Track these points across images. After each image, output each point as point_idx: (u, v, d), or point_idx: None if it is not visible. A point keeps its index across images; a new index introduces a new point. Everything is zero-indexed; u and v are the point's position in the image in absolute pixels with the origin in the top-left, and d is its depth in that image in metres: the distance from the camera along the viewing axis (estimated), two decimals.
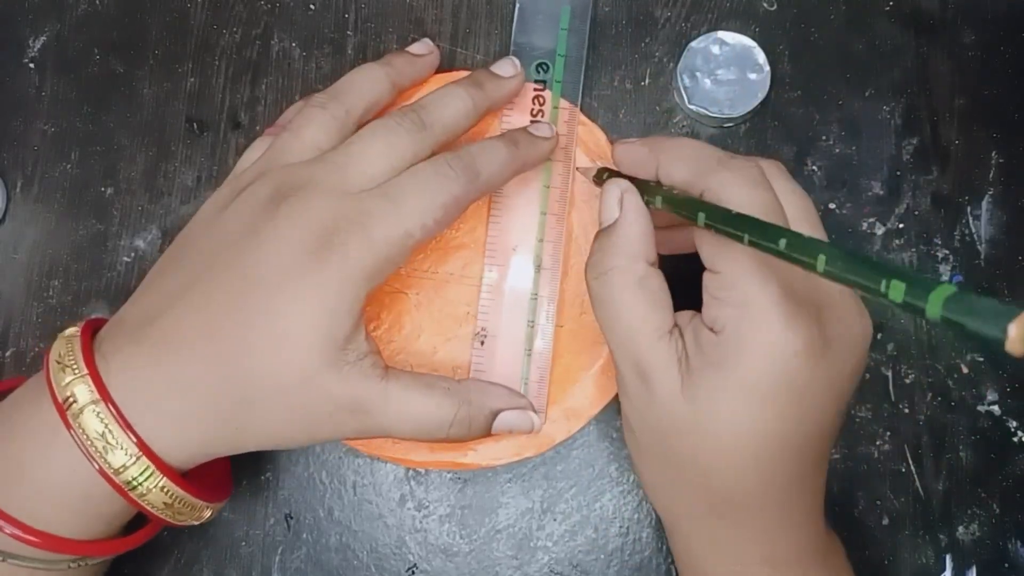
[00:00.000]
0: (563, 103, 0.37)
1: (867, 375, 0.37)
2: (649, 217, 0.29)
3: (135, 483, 0.28)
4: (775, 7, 0.39)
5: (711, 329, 0.27)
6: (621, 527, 0.37)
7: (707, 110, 0.37)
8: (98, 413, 0.28)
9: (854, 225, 0.38)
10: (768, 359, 0.26)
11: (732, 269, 0.26)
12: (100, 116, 0.39)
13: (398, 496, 0.37)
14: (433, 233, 0.30)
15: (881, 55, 0.39)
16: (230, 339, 0.28)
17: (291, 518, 0.37)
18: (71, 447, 0.28)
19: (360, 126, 0.32)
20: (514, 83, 0.35)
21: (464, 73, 0.36)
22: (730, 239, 0.25)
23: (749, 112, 0.37)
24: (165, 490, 0.29)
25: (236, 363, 0.28)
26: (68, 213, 0.39)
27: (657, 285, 0.29)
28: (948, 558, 0.36)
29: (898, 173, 0.38)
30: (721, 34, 0.37)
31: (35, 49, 0.40)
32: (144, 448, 0.28)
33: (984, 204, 0.38)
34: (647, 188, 0.30)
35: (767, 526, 0.28)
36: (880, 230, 0.38)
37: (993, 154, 0.38)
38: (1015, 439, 0.37)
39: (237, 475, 0.37)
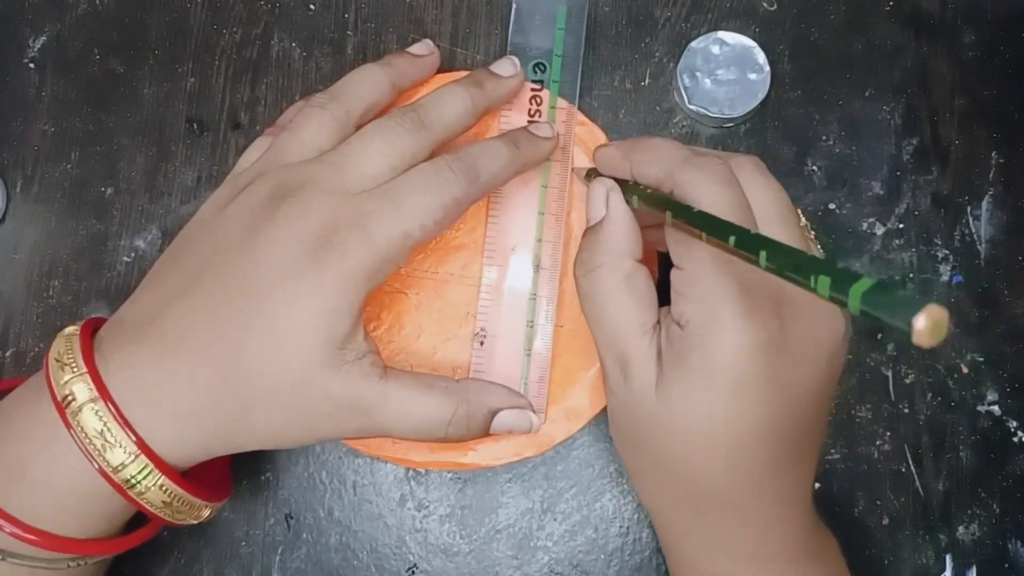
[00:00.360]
0: (560, 103, 0.37)
1: (867, 375, 0.37)
2: (633, 215, 0.30)
3: (133, 481, 0.28)
4: (775, 7, 0.39)
5: (678, 324, 0.27)
6: (621, 527, 0.37)
7: (707, 110, 0.37)
8: (97, 411, 0.28)
9: (854, 225, 0.38)
10: (726, 352, 0.26)
11: (694, 265, 0.27)
12: (100, 116, 0.39)
13: (398, 496, 0.37)
14: (433, 234, 0.30)
15: (881, 55, 0.39)
16: (229, 339, 0.28)
17: (291, 518, 0.37)
18: (70, 446, 0.28)
19: (360, 126, 0.32)
20: (514, 83, 0.35)
21: (464, 73, 0.36)
22: (693, 236, 0.26)
23: (749, 112, 0.37)
24: (164, 489, 0.29)
25: (235, 363, 0.28)
26: (68, 213, 0.39)
27: (643, 281, 0.29)
28: (948, 558, 0.36)
29: (898, 173, 0.38)
30: (721, 34, 0.37)
31: (35, 49, 0.40)
32: (143, 446, 0.28)
33: (984, 204, 0.38)
34: (627, 187, 0.30)
35: (747, 521, 0.29)
36: (880, 230, 0.38)
37: (993, 154, 0.38)
38: (1015, 439, 0.37)
39: (237, 475, 0.37)
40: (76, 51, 0.40)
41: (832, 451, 0.37)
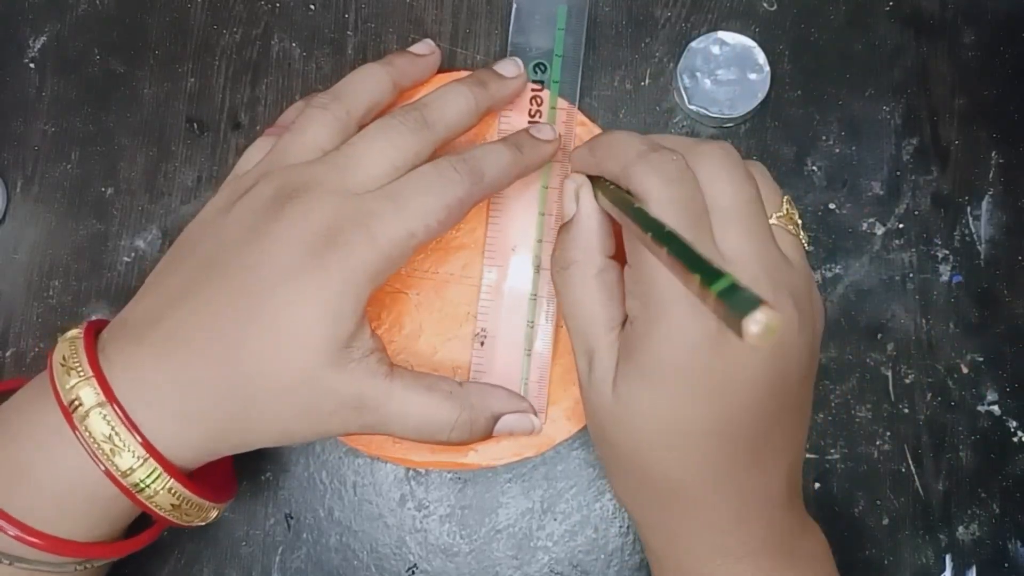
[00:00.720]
0: (561, 103, 0.37)
1: (867, 375, 0.37)
2: (603, 212, 0.30)
3: (143, 485, 0.28)
4: (775, 7, 0.39)
5: (631, 321, 0.28)
6: (621, 527, 0.37)
7: (707, 110, 0.37)
8: (104, 415, 0.28)
9: (854, 225, 0.38)
10: (669, 349, 0.27)
11: (643, 263, 0.27)
12: (100, 116, 0.39)
13: (398, 496, 0.37)
14: (436, 234, 0.30)
15: (881, 55, 0.39)
16: (234, 340, 0.28)
17: (291, 518, 0.37)
18: (76, 450, 0.28)
19: (362, 126, 0.32)
20: (516, 83, 0.35)
21: (465, 73, 0.36)
22: (637, 235, 0.26)
23: (749, 112, 0.37)
24: (172, 491, 0.29)
25: (240, 364, 0.28)
26: (68, 213, 0.39)
27: (613, 278, 0.30)
28: (948, 558, 0.36)
29: (898, 173, 0.38)
30: (721, 34, 0.37)
31: (35, 49, 0.40)
32: (151, 450, 0.28)
33: (984, 204, 0.38)
34: (596, 184, 0.31)
35: (709, 518, 0.29)
36: (880, 230, 0.38)
37: (993, 154, 0.38)
38: (1015, 439, 0.37)
39: (237, 475, 0.37)
40: (76, 51, 0.39)
41: (832, 451, 0.37)
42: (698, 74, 0.37)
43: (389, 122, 0.31)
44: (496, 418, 0.33)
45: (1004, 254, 0.38)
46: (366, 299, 0.29)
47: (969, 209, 0.38)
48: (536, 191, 0.36)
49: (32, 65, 0.39)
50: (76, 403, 0.28)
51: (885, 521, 0.37)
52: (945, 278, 0.38)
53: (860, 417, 0.37)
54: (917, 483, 0.37)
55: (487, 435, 0.33)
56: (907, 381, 0.37)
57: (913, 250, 0.38)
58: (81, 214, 0.38)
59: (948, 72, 0.39)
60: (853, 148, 0.38)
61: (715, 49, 0.37)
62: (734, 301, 0.18)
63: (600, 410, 0.29)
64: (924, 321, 0.38)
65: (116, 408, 0.28)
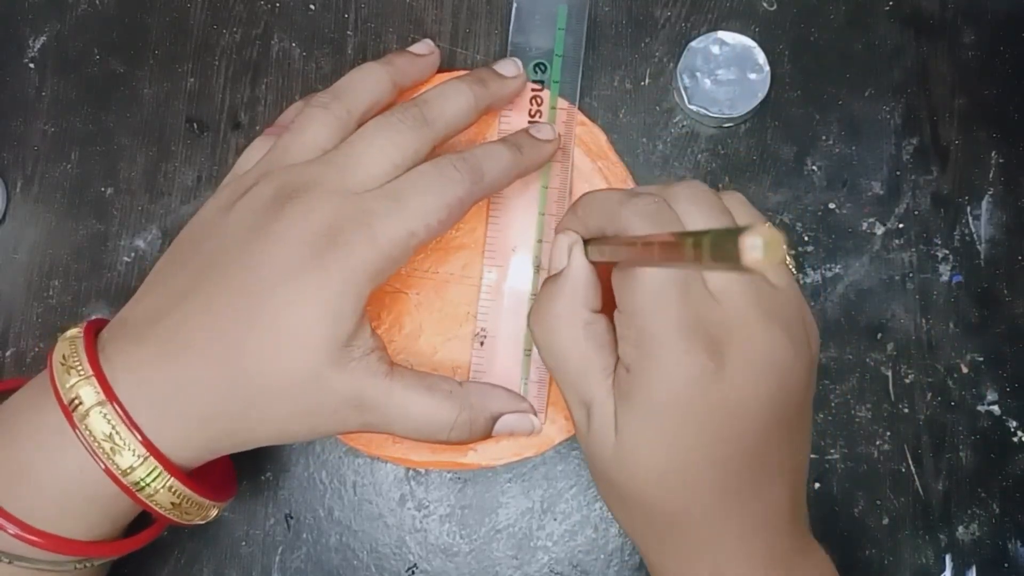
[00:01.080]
0: (561, 103, 0.37)
1: (867, 375, 0.37)
2: (593, 268, 0.30)
3: (143, 484, 0.28)
4: (775, 7, 0.39)
5: (625, 367, 0.28)
6: (621, 527, 0.37)
7: (707, 110, 0.37)
8: (105, 414, 0.28)
9: (854, 225, 0.38)
10: (666, 391, 0.27)
11: (631, 306, 0.27)
12: (100, 116, 0.39)
13: (398, 496, 0.37)
14: (436, 233, 0.30)
15: (881, 55, 0.39)
16: (235, 339, 0.28)
17: (291, 518, 0.37)
18: (77, 449, 0.28)
19: (361, 125, 0.32)
20: (516, 83, 0.35)
21: (465, 72, 0.36)
22: (631, 278, 0.26)
23: (749, 112, 0.37)
24: (173, 490, 0.29)
25: (241, 363, 0.28)
26: (68, 213, 0.39)
27: (603, 328, 0.29)
28: (948, 558, 0.36)
29: (898, 173, 0.38)
30: (721, 34, 0.37)
31: (35, 49, 0.40)
32: (151, 448, 0.28)
33: (984, 204, 0.38)
34: (590, 242, 0.30)
35: (717, 544, 0.29)
36: (880, 230, 0.38)
37: (993, 154, 0.38)
38: (1015, 439, 0.37)
39: (237, 475, 0.37)
40: (76, 51, 0.39)
41: (832, 451, 0.37)
42: (698, 74, 0.37)
43: (388, 120, 0.31)
44: (496, 418, 0.33)
45: (1004, 254, 0.38)
46: (366, 298, 0.29)
47: (969, 209, 0.38)
48: (536, 191, 0.36)
49: (32, 65, 0.39)
50: (76, 402, 0.28)
51: (885, 521, 0.37)
52: (945, 278, 0.38)
53: (860, 417, 0.37)
54: (917, 483, 0.37)
55: (487, 435, 0.33)
56: (907, 381, 0.37)
57: (913, 250, 0.38)
58: (81, 214, 0.38)
59: (948, 72, 0.39)
60: (853, 148, 0.38)
61: (715, 49, 0.37)
62: (725, 241, 0.17)
63: (603, 457, 0.29)
64: (924, 321, 0.38)
65: (116, 407, 0.28)
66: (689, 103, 0.37)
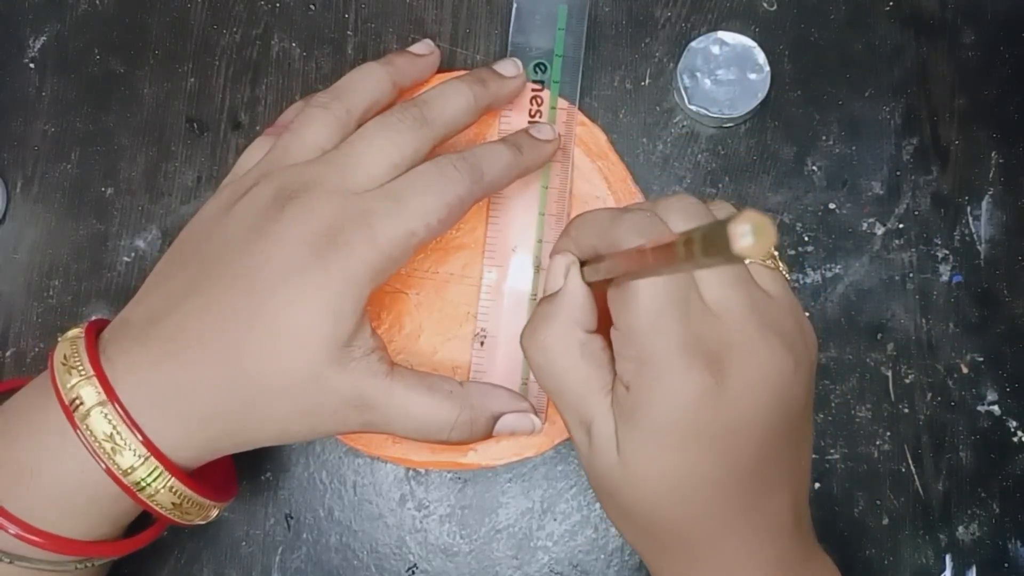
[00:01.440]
0: (561, 103, 0.37)
1: (867, 375, 0.37)
2: (588, 290, 0.30)
3: (144, 484, 0.28)
4: (775, 7, 0.39)
5: (624, 385, 0.27)
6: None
7: (707, 110, 0.37)
8: (105, 414, 0.28)
9: (854, 225, 0.38)
10: (667, 409, 0.26)
11: (629, 325, 0.27)
12: (100, 116, 0.39)
13: (398, 496, 0.37)
14: (436, 233, 0.30)
15: (881, 55, 0.39)
16: (236, 339, 0.28)
17: (291, 518, 0.37)
18: (78, 449, 0.28)
19: (361, 124, 0.32)
20: (516, 83, 0.35)
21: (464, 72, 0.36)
22: (628, 296, 0.26)
23: (749, 112, 0.37)
24: (174, 490, 0.29)
25: (242, 363, 0.28)
26: (68, 213, 0.39)
27: (599, 347, 0.29)
28: (948, 558, 0.36)
29: (898, 173, 0.38)
30: (721, 34, 0.37)
31: (35, 49, 0.40)
32: (152, 449, 0.28)
33: (984, 204, 0.38)
34: (586, 264, 0.30)
35: (724, 557, 0.29)
36: (880, 230, 0.38)
37: (993, 154, 0.38)
38: (1015, 439, 0.37)
39: (237, 475, 0.37)
40: (76, 51, 0.39)
41: (832, 451, 0.37)
42: (698, 74, 0.37)
43: (388, 120, 0.31)
44: (496, 418, 0.33)
45: (1004, 254, 0.38)
46: (366, 298, 0.29)
47: (969, 209, 0.38)
48: (536, 191, 0.36)
49: (32, 65, 0.39)
50: (77, 402, 0.28)
51: (885, 521, 0.37)
52: (945, 278, 0.38)
53: (860, 417, 0.37)
54: (917, 483, 0.37)
55: (487, 435, 0.33)
56: (907, 381, 0.37)
57: (913, 250, 0.38)
58: (81, 214, 0.38)
59: (948, 72, 0.39)
60: (853, 148, 0.38)
61: (715, 49, 0.37)
62: (715, 234, 0.17)
63: (606, 476, 0.29)
64: (924, 321, 0.38)
65: (117, 407, 0.28)
66: (689, 103, 0.37)
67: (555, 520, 0.37)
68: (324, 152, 0.31)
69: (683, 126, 0.38)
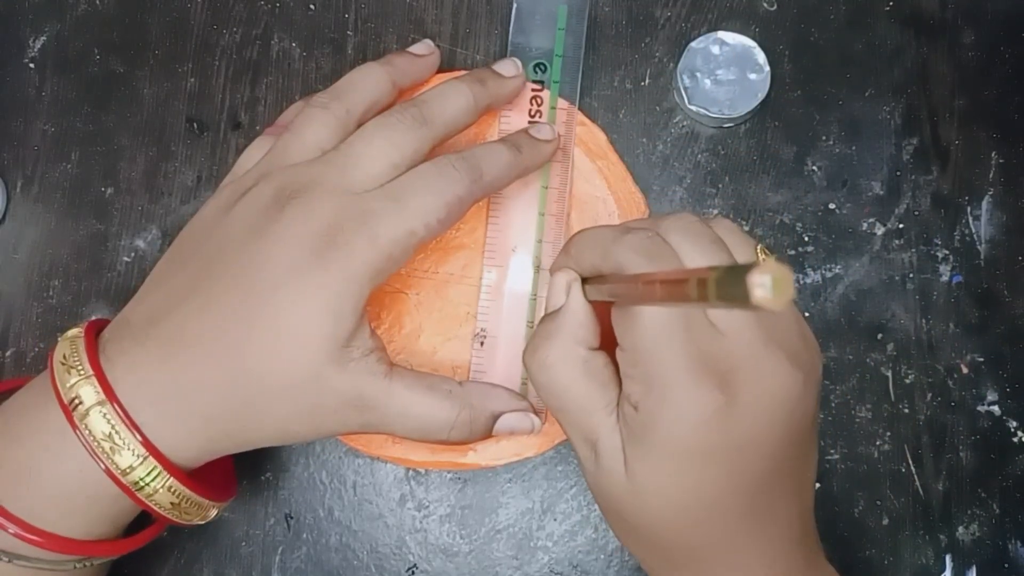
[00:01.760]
0: (561, 103, 0.37)
1: (867, 375, 0.37)
2: (591, 307, 0.29)
3: (142, 483, 0.28)
4: (775, 7, 0.39)
5: (632, 405, 0.27)
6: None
7: (707, 110, 0.37)
8: (104, 414, 0.28)
9: (854, 225, 0.38)
10: (678, 430, 0.26)
11: (635, 345, 0.27)
12: (100, 116, 0.39)
13: (398, 496, 0.37)
14: (436, 233, 0.30)
15: (881, 55, 0.39)
16: (236, 339, 0.28)
17: (291, 518, 0.37)
18: (77, 448, 0.28)
19: (360, 125, 0.32)
20: (515, 83, 0.35)
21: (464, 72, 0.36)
22: (633, 316, 0.26)
23: (749, 112, 0.37)
24: (172, 490, 0.29)
25: (241, 363, 0.28)
26: (68, 213, 0.39)
27: (601, 363, 0.29)
28: (948, 558, 0.36)
29: (898, 173, 0.38)
30: (721, 34, 0.37)
31: (35, 49, 0.40)
32: (151, 448, 0.28)
33: (984, 204, 0.38)
34: (587, 280, 0.30)
35: (729, 569, 0.29)
36: (880, 230, 0.38)
37: (993, 154, 0.38)
38: (1015, 439, 0.37)
39: (237, 475, 0.37)
40: (76, 51, 0.39)
41: (832, 451, 0.37)
42: (698, 74, 0.37)
43: (387, 120, 0.31)
44: (496, 417, 0.33)
45: (1004, 254, 0.38)
46: (366, 298, 0.29)
47: (969, 209, 0.38)
48: (536, 191, 0.36)
49: (32, 65, 0.39)
50: (76, 401, 0.28)
51: (885, 521, 0.37)
52: (945, 278, 0.38)
53: (860, 417, 0.37)
54: (917, 483, 0.37)
55: (487, 434, 0.33)
56: (907, 381, 0.37)
57: (913, 250, 0.38)
58: (81, 214, 0.38)
59: (948, 72, 0.39)
60: (853, 148, 0.38)
61: (715, 49, 0.37)
62: (732, 280, 0.16)
63: (614, 495, 0.28)
64: (924, 321, 0.38)
65: (116, 406, 0.28)
66: (689, 103, 0.37)
67: (555, 520, 0.37)
68: (324, 152, 0.31)
69: (683, 126, 0.38)
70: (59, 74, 0.39)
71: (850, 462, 0.37)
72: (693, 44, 0.37)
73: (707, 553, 0.28)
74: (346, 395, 0.29)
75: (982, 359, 0.37)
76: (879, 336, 0.37)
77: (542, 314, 0.35)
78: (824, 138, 0.38)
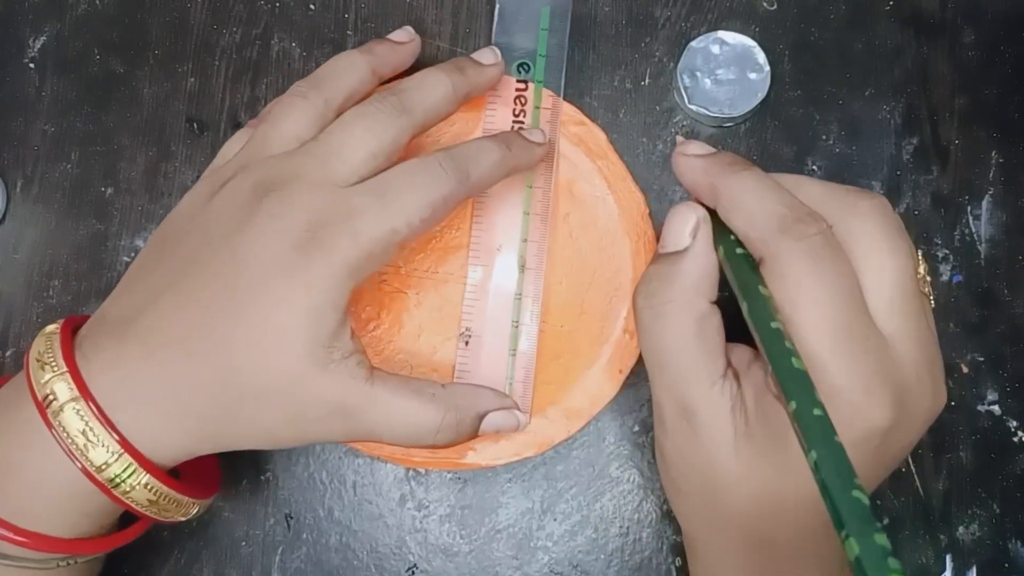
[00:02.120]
0: (545, 103, 0.37)
1: None
2: (715, 254, 0.28)
3: (118, 480, 0.28)
4: (775, 7, 0.39)
5: (775, 394, 0.26)
6: (621, 527, 0.37)
7: (707, 110, 0.37)
8: (78, 411, 0.27)
9: None
10: (846, 440, 0.24)
11: (817, 353, 0.25)
12: (100, 116, 0.39)
13: (398, 496, 0.37)
14: (419, 231, 0.30)
15: (881, 55, 0.39)
16: (214, 336, 0.28)
17: (291, 518, 0.37)
18: (55, 445, 0.27)
19: (340, 114, 0.31)
20: (495, 71, 0.34)
21: None
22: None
23: (749, 112, 0.37)
24: (149, 487, 0.28)
25: (220, 361, 0.28)
26: (68, 213, 0.39)
27: (714, 326, 0.27)
28: (948, 558, 0.36)
29: (898, 173, 0.38)
30: (721, 34, 0.37)
31: (35, 49, 0.40)
32: (126, 445, 0.28)
33: (984, 204, 0.38)
34: (718, 231, 0.27)
35: (801, 566, 0.28)
36: None
37: (993, 154, 0.38)
38: (1015, 439, 0.37)
39: (237, 475, 0.37)
40: (76, 51, 0.39)
41: None
42: (698, 74, 0.37)
43: (366, 109, 0.30)
44: (482, 417, 0.32)
45: (1004, 254, 0.38)
46: (349, 295, 0.29)
47: (969, 209, 0.38)
48: (520, 190, 0.36)
49: (32, 65, 0.39)
50: (50, 398, 0.27)
51: (885, 521, 0.37)
52: (945, 278, 0.38)
53: None
54: (917, 483, 0.37)
55: (473, 435, 0.32)
56: None
57: None
58: (81, 214, 0.39)
59: (948, 72, 0.39)
60: (853, 148, 0.38)
61: (715, 49, 0.37)
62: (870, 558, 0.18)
63: (704, 468, 0.27)
64: None
65: (90, 403, 0.27)
66: (689, 103, 0.37)
67: (555, 520, 0.37)
68: (302, 142, 0.30)
69: (683, 126, 0.38)
70: (59, 74, 0.39)
71: None
72: (693, 44, 0.37)
73: (795, 546, 0.28)
74: (328, 400, 0.28)
75: (982, 359, 0.37)
76: None
77: (527, 313, 0.35)
78: (824, 138, 0.38)
